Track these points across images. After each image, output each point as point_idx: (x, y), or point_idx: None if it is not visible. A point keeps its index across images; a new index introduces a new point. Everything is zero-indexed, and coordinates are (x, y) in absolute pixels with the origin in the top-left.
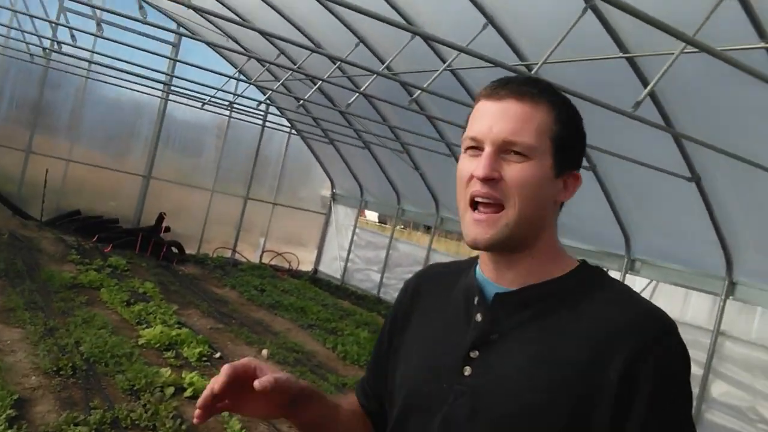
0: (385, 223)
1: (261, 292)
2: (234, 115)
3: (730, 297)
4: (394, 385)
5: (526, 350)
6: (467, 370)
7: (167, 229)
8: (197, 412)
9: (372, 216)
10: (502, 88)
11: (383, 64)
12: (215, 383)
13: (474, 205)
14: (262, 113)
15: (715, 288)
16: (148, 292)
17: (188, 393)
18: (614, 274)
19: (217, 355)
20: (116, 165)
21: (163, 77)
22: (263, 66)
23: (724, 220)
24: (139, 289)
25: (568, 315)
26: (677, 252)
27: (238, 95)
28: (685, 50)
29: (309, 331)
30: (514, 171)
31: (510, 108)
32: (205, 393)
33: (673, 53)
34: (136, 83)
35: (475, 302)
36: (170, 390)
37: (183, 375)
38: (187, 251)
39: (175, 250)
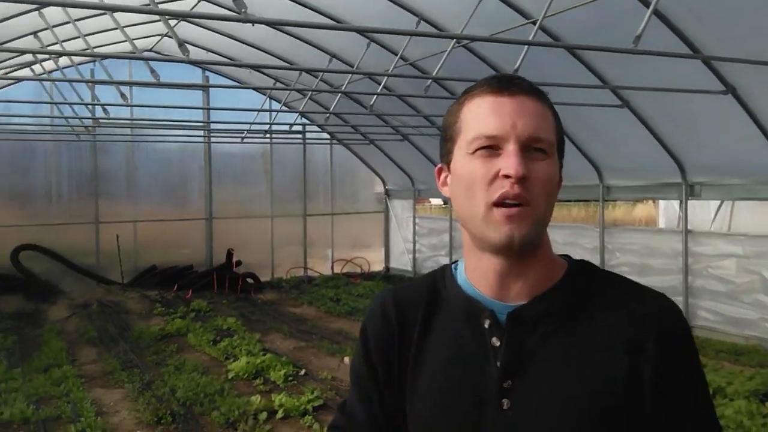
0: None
1: (336, 302)
2: (274, 139)
3: None
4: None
5: (560, 370)
6: (505, 404)
7: (238, 263)
8: None
9: (436, 201)
10: (508, 84)
11: (396, 56)
12: None
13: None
14: (300, 131)
15: None
16: (231, 326)
17: (280, 414)
18: (674, 204)
19: (302, 372)
20: (178, 214)
21: (200, 122)
22: (287, 87)
23: None
24: (223, 325)
25: (588, 320)
26: (733, 166)
27: (273, 123)
28: None
29: None
30: (540, 168)
31: (526, 103)
32: None
33: None
34: (177, 135)
35: (486, 326)
36: (263, 415)
37: (272, 398)
38: (262, 279)
39: (250, 280)
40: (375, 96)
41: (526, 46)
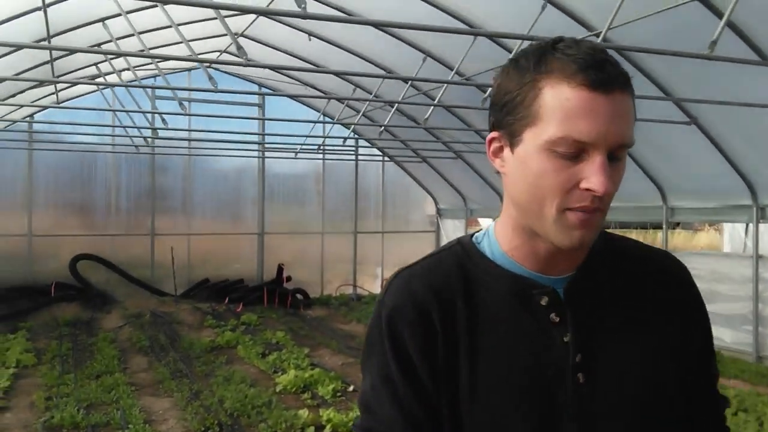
0: None
1: None
2: (327, 156)
3: None
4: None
5: (623, 339)
6: (581, 377)
7: (288, 279)
8: None
9: (486, 221)
10: (603, 77)
11: (452, 71)
12: None
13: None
14: (353, 148)
15: None
16: (280, 340)
17: (327, 430)
18: (740, 229)
19: (351, 388)
20: (231, 229)
21: (255, 137)
22: (342, 103)
23: None
24: (272, 339)
25: (631, 286)
26: None
27: (326, 137)
28: None
29: None
30: (617, 175)
31: (621, 103)
32: None
33: None
34: (232, 149)
35: (544, 303)
36: (311, 430)
37: (320, 413)
38: (311, 295)
39: (299, 296)
40: (431, 108)
41: None
